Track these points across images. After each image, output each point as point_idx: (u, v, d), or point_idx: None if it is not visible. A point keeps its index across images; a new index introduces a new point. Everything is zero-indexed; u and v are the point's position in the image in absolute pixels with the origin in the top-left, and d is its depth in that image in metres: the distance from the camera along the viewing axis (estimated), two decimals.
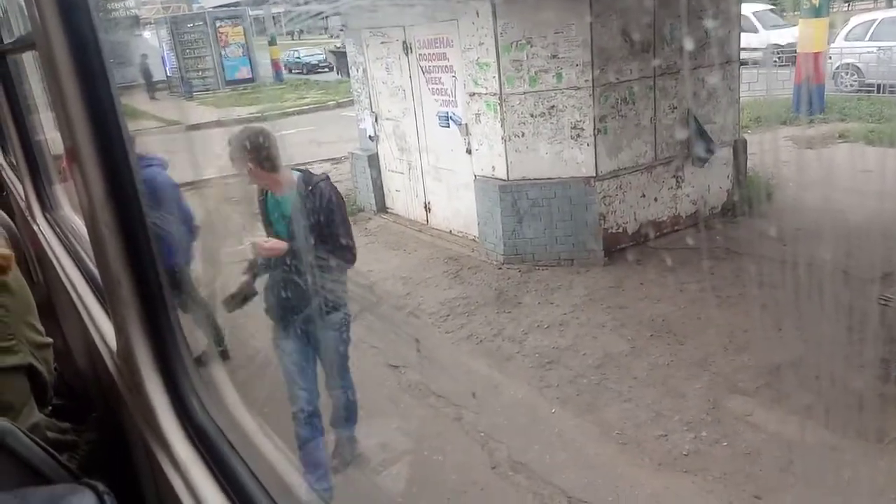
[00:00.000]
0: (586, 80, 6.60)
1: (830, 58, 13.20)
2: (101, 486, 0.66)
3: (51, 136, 2.64)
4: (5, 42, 2.51)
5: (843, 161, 9.38)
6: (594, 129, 6.70)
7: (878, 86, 12.49)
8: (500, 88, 6.82)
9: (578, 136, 6.75)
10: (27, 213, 2.54)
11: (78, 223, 2.17)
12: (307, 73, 27.77)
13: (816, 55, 11.66)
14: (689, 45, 7.21)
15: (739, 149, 7.94)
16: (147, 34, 26.03)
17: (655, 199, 7.25)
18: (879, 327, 4.00)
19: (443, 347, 5.56)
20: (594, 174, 6.78)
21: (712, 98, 7.54)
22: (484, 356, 5.32)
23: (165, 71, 24.44)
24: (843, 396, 3.98)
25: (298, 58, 29.48)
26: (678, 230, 7.36)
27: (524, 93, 6.78)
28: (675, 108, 7.26)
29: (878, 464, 3.29)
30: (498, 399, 4.73)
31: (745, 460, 3.84)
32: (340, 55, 21.31)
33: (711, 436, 4.06)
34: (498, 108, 6.90)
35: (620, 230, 7.02)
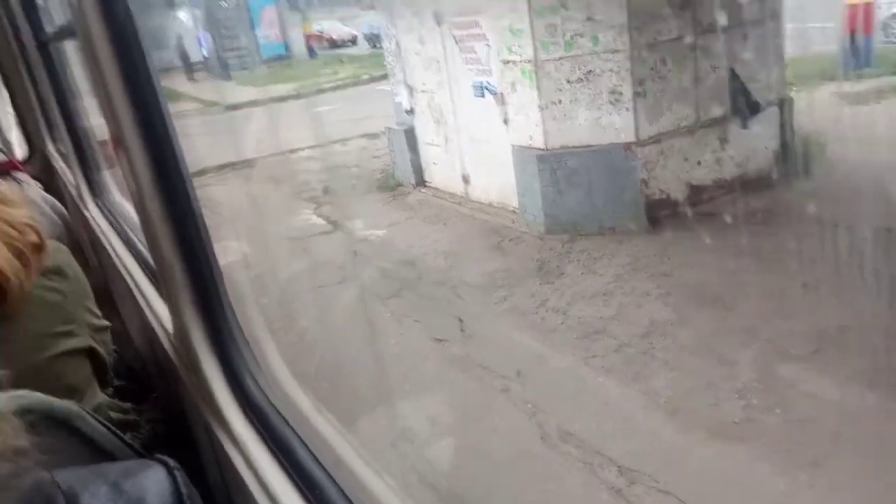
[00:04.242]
0: (624, 43, 6.44)
1: (879, 8, 12.60)
2: (171, 462, 0.68)
3: (96, 123, 2.69)
4: (48, 32, 2.55)
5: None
6: (633, 93, 6.55)
7: None
8: (535, 55, 6.70)
9: (617, 100, 6.61)
10: (78, 201, 2.60)
11: (128, 209, 2.21)
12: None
13: (866, 6, 11.14)
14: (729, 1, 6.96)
15: (785, 107, 7.67)
16: (182, 15, 26.25)
17: (699, 163, 7.08)
18: None
19: (487, 320, 5.57)
20: (634, 139, 6.65)
21: (756, 56, 7.28)
22: (528, 328, 5.31)
23: (202, 52, 24.66)
24: None
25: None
26: (723, 194, 7.18)
27: (560, 58, 6.65)
28: (717, 67, 7.03)
29: None
30: (544, 370, 4.73)
31: (799, 427, 3.77)
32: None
33: (763, 403, 4.00)
34: (533, 75, 6.79)
35: (663, 196, 6.88)
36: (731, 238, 6.19)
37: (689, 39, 6.76)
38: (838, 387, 4.03)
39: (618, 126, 6.66)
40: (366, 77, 19.52)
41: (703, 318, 5.00)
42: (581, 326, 5.16)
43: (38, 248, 1.25)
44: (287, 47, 24.42)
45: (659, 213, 6.81)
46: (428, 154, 9.04)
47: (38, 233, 1.25)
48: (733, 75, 7.08)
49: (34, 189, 2.53)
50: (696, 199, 7.06)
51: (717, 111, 7.12)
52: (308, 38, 25.69)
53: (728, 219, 6.69)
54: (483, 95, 7.65)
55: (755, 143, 7.39)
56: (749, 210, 6.77)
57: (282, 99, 18.01)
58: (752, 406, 3.99)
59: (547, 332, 5.19)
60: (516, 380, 4.58)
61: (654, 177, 6.80)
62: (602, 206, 6.79)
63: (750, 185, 7.38)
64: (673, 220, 6.74)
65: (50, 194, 2.59)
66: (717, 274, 5.58)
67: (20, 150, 3.82)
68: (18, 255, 1.19)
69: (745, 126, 7.17)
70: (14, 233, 1.20)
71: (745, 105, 7.06)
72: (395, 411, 4.57)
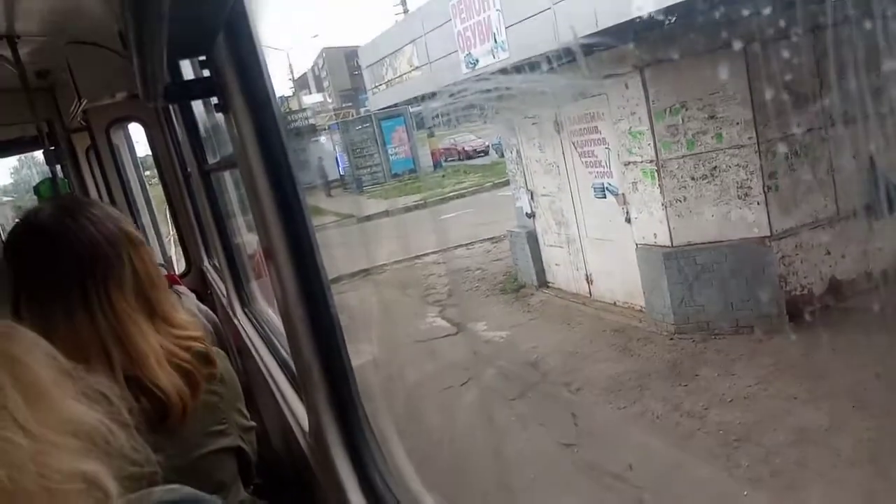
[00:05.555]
0: (749, 138, 6.33)
1: None
2: None
3: (245, 240, 2.97)
4: (210, 163, 2.91)
5: None
6: (764, 187, 6.35)
7: None
8: (657, 154, 6.71)
9: (746, 195, 6.42)
10: (229, 310, 2.85)
11: (272, 315, 2.40)
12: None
13: None
14: (862, 90, 6.70)
15: None
16: (322, 139, 28.68)
17: (843, 256, 6.63)
18: None
19: (615, 425, 5.35)
20: (768, 234, 6.38)
21: None
22: (661, 433, 5.04)
23: (339, 170, 26.66)
24: None
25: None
26: (873, 288, 6.63)
27: (682, 156, 6.62)
28: (855, 157, 6.70)
29: None
30: (681, 480, 4.43)
31: None
32: None
33: None
34: (655, 174, 6.77)
35: (805, 291, 6.46)
36: (887, 336, 5.65)
37: (820, 131, 6.53)
38: None
39: (749, 220, 6.44)
40: (488, 184, 20.19)
41: (860, 425, 4.53)
42: (721, 433, 4.83)
43: (206, 359, 1.38)
44: (414, 161, 25.91)
45: (801, 310, 6.37)
46: (550, 255, 9.09)
47: (205, 345, 1.39)
48: (873, 165, 6.70)
49: (191, 300, 2.81)
50: (842, 295, 6.57)
51: (859, 202, 6.72)
52: (434, 152, 27.12)
53: (881, 315, 6.14)
54: (604, 196, 7.69)
55: None
56: None
57: (409, 209, 18.94)
58: None
59: (682, 439, 4.90)
60: (651, 489, 4.31)
61: (794, 271, 6.43)
62: (737, 304, 6.47)
63: None
64: (818, 318, 6.28)
65: (203, 304, 2.87)
66: (872, 376, 5.08)
67: (178, 266, 4.28)
68: (186, 375, 1.31)
69: (890, 216, 6.69)
70: (184, 354, 1.33)
71: (889, 194, 6.62)
72: None
